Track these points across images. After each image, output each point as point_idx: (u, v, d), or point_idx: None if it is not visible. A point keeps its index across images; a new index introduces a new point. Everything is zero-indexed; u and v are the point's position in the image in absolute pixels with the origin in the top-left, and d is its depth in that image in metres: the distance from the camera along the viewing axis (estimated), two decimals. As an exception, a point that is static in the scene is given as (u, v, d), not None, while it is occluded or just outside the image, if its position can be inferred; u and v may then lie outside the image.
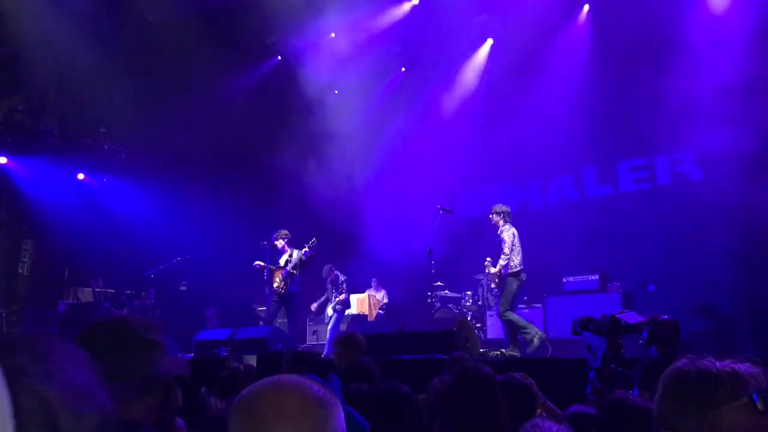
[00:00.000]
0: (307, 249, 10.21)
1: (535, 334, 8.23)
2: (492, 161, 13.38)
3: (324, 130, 13.96)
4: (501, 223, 8.90)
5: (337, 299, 11.09)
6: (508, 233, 8.77)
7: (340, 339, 4.90)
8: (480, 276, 11.90)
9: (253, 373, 4.03)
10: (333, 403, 1.25)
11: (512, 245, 8.68)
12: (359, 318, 12.06)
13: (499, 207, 9.00)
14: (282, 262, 10.41)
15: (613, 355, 4.51)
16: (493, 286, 8.89)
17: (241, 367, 3.95)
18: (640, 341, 7.90)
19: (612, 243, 11.75)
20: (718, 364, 1.45)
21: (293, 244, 10.54)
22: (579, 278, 10.57)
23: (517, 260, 8.66)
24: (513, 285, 8.68)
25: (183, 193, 13.75)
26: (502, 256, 8.67)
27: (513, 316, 8.59)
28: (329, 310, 11.34)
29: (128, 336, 1.58)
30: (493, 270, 8.65)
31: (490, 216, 8.97)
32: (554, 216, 12.89)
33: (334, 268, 11.43)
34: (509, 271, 8.70)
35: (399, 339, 7.68)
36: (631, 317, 4.54)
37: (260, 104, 14.16)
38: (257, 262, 10.45)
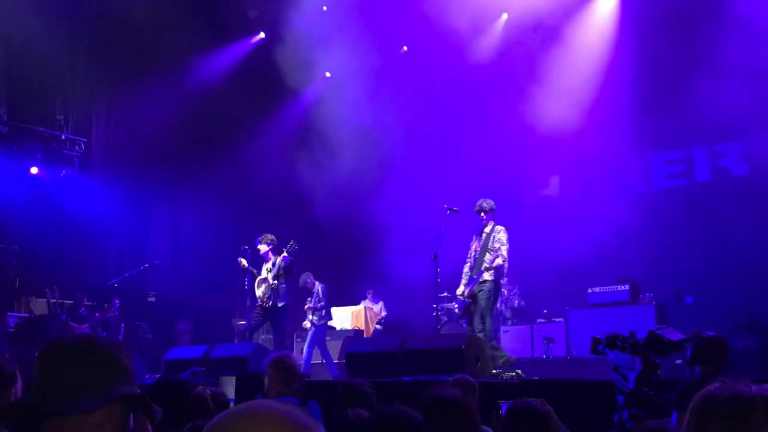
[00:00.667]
0: (286, 254, 10.16)
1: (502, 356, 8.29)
2: (507, 153, 13.34)
3: (314, 118, 13.94)
4: (489, 221, 8.92)
5: (310, 309, 11.12)
6: (504, 233, 8.79)
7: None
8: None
9: (222, 402, 3.96)
10: (316, 429, 1.25)
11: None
12: (354, 334, 12.02)
13: (488, 202, 9.00)
14: (264, 272, 10.32)
15: (648, 377, 4.47)
16: (461, 295, 8.83)
17: (208, 391, 3.88)
18: (678, 361, 7.92)
19: (644, 248, 11.71)
20: (754, 387, 1.50)
21: (278, 250, 10.48)
22: (606, 289, 10.54)
23: (506, 265, 8.71)
24: (497, 292, 8.80)
25: (152, 189, 13.73)
26: (500, 257, 8.65)
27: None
28: (306, 323, 11.32)
29: (93, 352, 1.60)
30: (486, 275, 8.61)
31: (479, 213, 8.95)
32: (577, 216, 12.85)
33: (311, 276, 11.42)
34: (500, 275, 8.75)
35: (399, 358, 7.63)
36: (672, 333, 4.50)
37: (241, 88, 14.14)
38: (240, 260, 10.38)
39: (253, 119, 14.30)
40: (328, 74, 14.62)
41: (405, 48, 14.79)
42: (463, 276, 8.98)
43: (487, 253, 8.74)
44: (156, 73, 12.89)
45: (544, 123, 12.54)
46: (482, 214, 8.93)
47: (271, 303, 10.10)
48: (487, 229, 8.90)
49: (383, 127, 13.66)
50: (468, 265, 9.01)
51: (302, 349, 11.89)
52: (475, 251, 8.92)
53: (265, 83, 14.20)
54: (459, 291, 8.88)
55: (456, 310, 9.14)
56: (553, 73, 12.60)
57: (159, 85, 12.94)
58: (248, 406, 1.27)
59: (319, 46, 13.61)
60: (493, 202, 9.04)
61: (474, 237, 9.09)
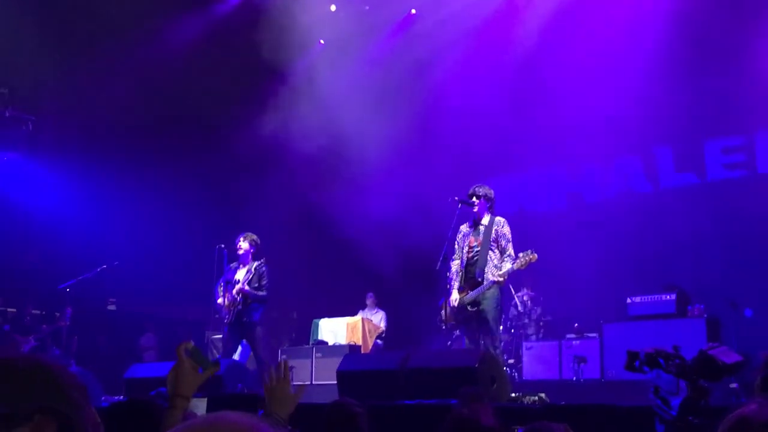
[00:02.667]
0: (261, 263, 10.31)
1: None
2: (531, 138, 13.36)
3: (306, 93, 13.94)
4: (486, 212, 8.91)
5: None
6: (508, 226, 8.83)
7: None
8: (512, 295, 11.88)
9: None
10: None
11: None
12: (349, 349, 12.04)
13: (485, 189, 8.98)
14: (239, 276, 10.37)
15: (695, 404, 4.48)
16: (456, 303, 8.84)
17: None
18: (732, 384, 7.92)
19: (694, 250, 11.70)
20: None
21: (259, 255, 10.52)
22: (648, 298, 10.53)
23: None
24: (502, 298, 8.84)
25: (111, 177, 13.74)
26: (508, 259, 8.67)
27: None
28: None
29: (46, 377, 1.66)
30: (501, 277, 8.63)
31: (473, 200, 8.91)
32: (616, 213, 12.86)
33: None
34: (504, 279, 8.77)
35: (401, 378, 7.63)
36: (727, 354, 4.50)
37: (218, 58, 14.13)
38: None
39: (230, 96, 14.29)
40: (322, 41, 14.62)
41: (413, 11, 14.78)
42: (455, 277, 8.96)
43: (491, 251, 8.73)
44: (116, 42, 12.87)
45: (571, 110, 12.56)
46: (475, 200, 8.89)
47: (244, 318, 10.17)
48: (485, 221, 8.90)
49: (387, 100, 13.65)
50: (457, 263, 9.00)
51: (289, 367, 11.92)
52: (471, 247, 8.91)
53: (246, 54, 14.18)
54: (454, 297, 8.86)
55: (442, 320, 9.07)
56: (579, 51, 12.61)
57: (119, 56, 12.95)
58: (208, 418, 1.28)
59: (311, 8, 13.61)
60: (490, 189, 9.02)
61: (466, 229, 9.07)
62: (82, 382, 1.73)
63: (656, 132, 12.73)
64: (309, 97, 13.87)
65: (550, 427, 3.22)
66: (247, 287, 10.21)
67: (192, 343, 2.88)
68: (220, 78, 13.98)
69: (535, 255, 8.55)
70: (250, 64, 14.13)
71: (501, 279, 8.65)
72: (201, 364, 2.85)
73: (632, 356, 4.56)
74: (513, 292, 11.88)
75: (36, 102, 13.74)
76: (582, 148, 13.44)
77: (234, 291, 10.26)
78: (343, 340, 12.36)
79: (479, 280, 8.70)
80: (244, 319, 10.24)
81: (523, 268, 8.70)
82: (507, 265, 8.66)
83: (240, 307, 10.20)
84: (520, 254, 8.61)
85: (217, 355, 11.26)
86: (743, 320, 10.25)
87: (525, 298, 12.07)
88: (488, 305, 8.62)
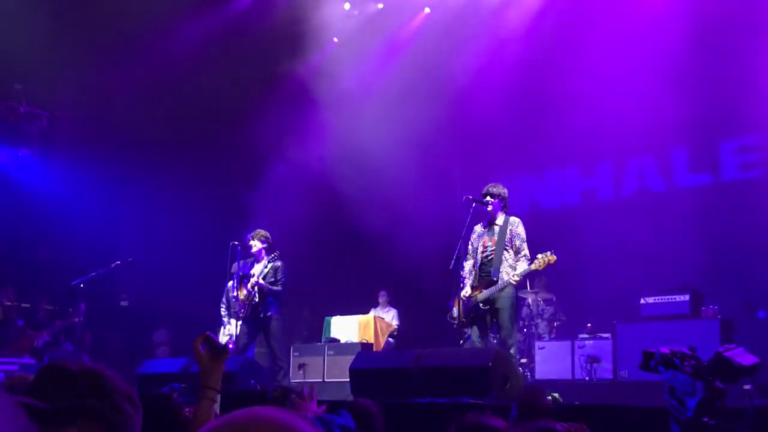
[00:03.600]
0: (275, 256, 10.36)
1: None
2: (545, 137, 13.34)
3: (319, 91, 13.95)
4: (500, 211, 8.90)
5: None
6: (522, 226, 8.84)
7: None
8: (526, 294, 11.85)
9: None
10: None
11: None
12: (361, 347, 12.04)
13: (498, 187, 8.97)
14: (255, 271, 10.48)
15: (711, 405, 4.45)
16: (471, 297, 8.83)
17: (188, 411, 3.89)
18: (746, 386, 7.87)
19: (709, 251, 11.65)
20: None
21: (273, 251, 10.60)
22: (662, 299, 10.49)
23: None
24: (517, 298, 8.91)
25: (126, 173, 13.77)
26: (523, 259, 8.67)
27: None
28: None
29: (94, 381, 1.74)
30: (516, 276, 8.64)
31: (487, 199, 8.90)
32: (630, 212, 12.83)
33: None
34: (520, 279, 8.81)
35: (413, 376, 7.62)
36: (743, 356, 4.47)
37: (231, 55, 14.14)
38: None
39: (246, 91, 14.30)
40: (335, 39, 14.63)
41: (427, 10, 14.76)
42: (467, 275, 8.97)
43: (506, 251, 8.73)
44: (131, 37, 12.90)
45: (586, 110, 12.53)
46: (489, 199, 8.88)
47: (261, 313, 10.25)
48: (499, 221, 8.90)
49: (401, 99, 13.65)
50: (471, 262, 9.01)
51: (299, 365, 11.95)
52: (485, 247, 8.90)
53: (260, 50, 14.20)
54: (466, 291, 8.86)
55: (453, 317, 9.07)
56: (594, 50, 12.58)
57: (134, 51, 12.97)
58: (245, 414, 1.27)
59: (324, 6, 13.62)
60: (504, 189, 9.01)
61: (480, 229, 9.07)
62: (134, 392, 1.77)
63: (671, 132, 12.68)
64: (323, 94, 13.88)
65: (554, 428, 3.20)
66: (262, 281, 10.26)
67: (207, 334, 3.07)
68: (235, 73, 13.99)
69: (554, 257, 8.55)
70: (265, 60, 14.15)
71: (517, 279, 8.66)
72: (217, 352, 3.03)
73: (648, 356, 4.53)
74: (528, 288, 11.86)
75: (50, 98, 13.76)
76: (596, 148, 13.43)
77: (249, 285, 10.31)
78: (355, 338, 12.36)
79: (494, 279, 8.70)
80: (261, 314, 10.30)
81: (540, 269, 8.71)
82: (523, 266, 8.66)
83: (256, 301, 10.26)
84: (539, 255, 8.60)
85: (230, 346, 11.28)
86: (757, 322, 10.19)
87: (538, 297, 12.05)
88: (503, 304, 8.62)
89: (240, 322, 10.43)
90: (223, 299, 11.02)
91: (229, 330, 11.09)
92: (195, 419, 2.77)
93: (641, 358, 4.56)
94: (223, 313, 11.11)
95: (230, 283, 10.57)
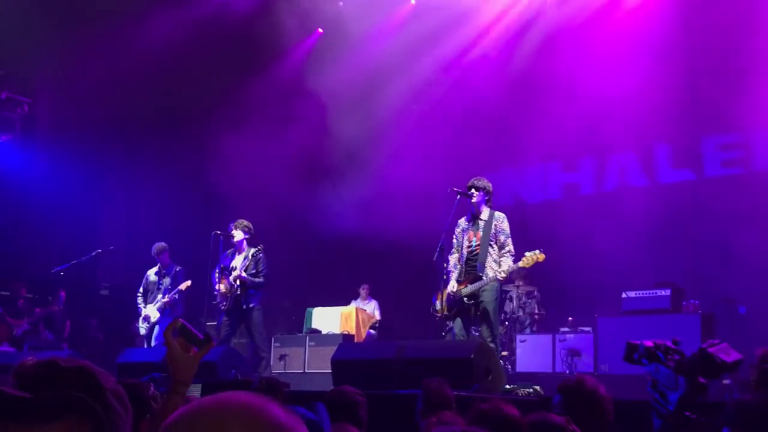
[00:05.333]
0: (258, 249, 10.35)
1: None
2: (528, 132, 13.34)
3: (303, 82, 13.90)
4: (484, 205, 8.89)
5: (179, 289, 11.20)
6: (507, 222, 8.82)
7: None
8: (509, 287, 11.85)
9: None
10: (297, 430, 1.24)
11: None
12: (342, 339, 12.03)
13: (483, 182, 8.95)
14: (236, 263, 10.47)
15: (692, 400, 4.45)
16: (453, 292, 8.83)
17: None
18: (725, 381, 7.92)
19: (690, 246, 11.70)
20: None
21: (255, 242, 10.60)
22: (643, 294, 10.54)
23: None
24: (501, 293, 8.96)
25: (106, 160, 13.68)
26: (507, 255, 8.67)
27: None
28: (153, 312, 11.37)
29: (84, 378, 1.69)
30: (502, 273, 8.64)
31: (471, 192, 8.87)
32: (611, 208, 12.85)
33: (167, 249, 11.48)
34: (506, 276, 8.81)
35: (395, 368, 7.62)
36: (727, 353, 4.46)
37: (216, 44, 14.05)
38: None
39: (230, 82, 14.22)
40: (320, 29, 14.57)
41: (413, 1, 14.69)
42: (452, 269, 8.95)
43: (491, 247, 8.72)
44: (116, 23, 12.78)
45: (569, 105, 12.55)
46: (473, 191, 8.86)
47: (243, 305, 10.27)
48: (484, 216, 8.87)
49: (384, 92, 13.62)
50: (456, 256, 8.98)
51: (280, 355, 11.92)
52: (470, 242, 8.89)
53: (244, 41, 14.11)
54: (452, 285, 8.85)
55: (436, 310, 9.06)
56: (578, 46, 12.61)
57: (119, 37, 12.83)
58: (214, 399, 1.26)
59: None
60: (489, 183, 8.98)
61: (465, 223, 9.05)
62: (125, 394, 1.72)
63: (654, 128, 12.71)
64: (306, 84, 13.82)
65: (552, 419, 3.19)
66: (244, 274, 10.24)
67: (180, 322, 2.71)
68: (218, 64, 13.92)
69: (543, 255, 8.56)
70: (248, 51, 14.07)
71: (503, 276, 8.67)
72: (194, 343, 2.69)
73: (631, 348, 4.52)
74: (512, 283, 11.87)
75: (32, 84, 13.64)
76: (578, 143, 13.46)
77: (231, 278, 10.29)
78: (336, 329, 12.35)
79: (480, 275, 8.68)
80: (244, 306, 10.31)
81: (528, 266, 8.72)
82: (508, 262, 8.64)
83: (238, 293, 10.26)
84: (527, 253, 8.61)
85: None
86: (737, 317, 10.24)
87: (520, 291, 12.06)
88: (488, 297, 8.62)
89: (221, 314, 10.49)
90: (140, 289, 11.46)
91: (145, 314, 11.38)
92: (164, 414, 2.62)
93: (625, 349, 4.55)
94: (139, 302, 11.45)
95: (216, 275, 10.56)
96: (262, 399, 1.26)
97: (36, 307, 12.85)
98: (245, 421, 1.22)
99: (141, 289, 11.48)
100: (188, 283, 11.18)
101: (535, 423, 3.20)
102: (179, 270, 11.41)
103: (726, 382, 8.03)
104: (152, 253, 11.44)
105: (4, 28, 12.17)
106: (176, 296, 11.20)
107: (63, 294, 12.82)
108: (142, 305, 11.45)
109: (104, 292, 14.47)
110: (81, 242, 12.55)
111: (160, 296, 11.34)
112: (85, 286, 13.36)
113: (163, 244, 11.51)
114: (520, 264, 8.63)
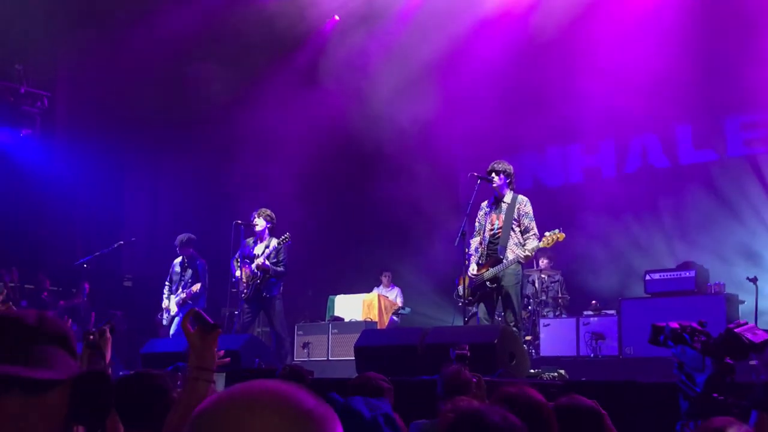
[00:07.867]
0: (282, 239, 10.36)
1: None
2: (548, 114, 13.25)
3: (321, 69, 13.88)
4: (506, 188, 8.83)
5: (191, 290, 11.18)
6: (530, 205, 8.77)
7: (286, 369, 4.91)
8: (531, 272, 11.81)
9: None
10: (328, 417, 1.24)
11: None
12: (365, 326, 12.04)
13: (503, 164, 8.88)
14: (258, 251, 10.49)
15: (720, 381, 4.40)
16: (473, 275, 8.78)
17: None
18: (753, 361, 7.84)
19: (713, 227, 11.61)
20: None
21: (276, 231, 10.60)
22: (667, 275, 10.47)
23: None
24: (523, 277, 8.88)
25: (127, 153, 13.72)
26: (533, 237, 8.61)
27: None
28: (172, 305, 11.41)
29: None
30: (527, 252, 8.60)
31: (492, 176, 8.81)
32: (634, 190, 12.78)
33: (192, 241, 11.47)
34: (530, 257, 8.80)
35: (418, 354, 7.62)
36: (754, 332, 4.40)
37: (234, 33, 13.99)
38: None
39: (247, 70, 14.21)
40: (337, 17, 14.53)
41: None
42: (474, 253, 8.91)
43: (513, 230, 8.66)
44: (132, 16, 12.80)
45: (589, 87, 12.45)
46: (494, 176, 8.81)
47: (263, 293, 10.29)
48: (507, 199, 8.81)
49: (400, 73, 13.55)
50: (477, 239, 8.94)
51: (303, 343, 11.95)
52: (492, 225, 8.84)
53: (260, 29, 14.07)
54: (473, 269, 8.81)
55: (459, 296, 9.02)
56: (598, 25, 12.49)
57: (139, 30, 12.85)
58: (244, 387, 1.26)
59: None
60: (510, 166, 8.93)
61: (486, 207, 9.01)
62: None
63: (675, 109, 12.61)
64: (322, 73, 13.80)
65: (582, 402, 3.16)
66: (267, 262, 10.26)
67: (194, 309, 2.80)
68: (238, 51, 13.89)
69: (563, 234, 8.51)
70: (265, 39, 14.03)
71: (527, 256, 8.62)
72: (205, 330, 2.75)
73: (657, 330, 4.48)
74: (534, 267, 11.83)
75: (52, 78, 13.68)
76: (599, 125, 13.36)
77: (254, 266, 10.30)
78: (359, 317, 12.35)
79: (501, 257, 8.63)
80: (264, 293, 10.32)
81: (548, 246, 8.68)
82: (533, 243, 8.59)
83: (259, 281, 10.28)
84: (546, 233, 8.55)
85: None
86: (763, 297, 10.15)
87: (543, 275, 12.01)
88: (509, 281, 8.57)
89: (241, 302, 10.49)
90: (168, 279, 11.52)
91: (165, 305, 11.49)
92: (188, 402, 2.56)
93: (650, 332, 4.51)
94: (165, 291, 11.60)
95: (236, 263, 10.58)
96: (292, 386, 1.27)
97: (60, 299, 12.93)
98: (275, 408, 1.22)
99: (168, 279, 11.55)
100: (198, 286, 11.19)
101: (564, 406, 3.16)
102: (200, 263, 11.43)
103: (753, 362, 7.95)
104: (175, 244, 11.47)
105: (24, 23, 12.21)
106: (194, 292, 11.20)
107: (87, 286, 12.89)
108: (165, 295, 11.51)
109: (127, 284, 14.53)
110: (103, 234, 12.61)
111: (180, 290, 11.38)
112: (108, 278, 13.42)
113: (187, 235, 11.51)
114: (541, 244, 8.59)
